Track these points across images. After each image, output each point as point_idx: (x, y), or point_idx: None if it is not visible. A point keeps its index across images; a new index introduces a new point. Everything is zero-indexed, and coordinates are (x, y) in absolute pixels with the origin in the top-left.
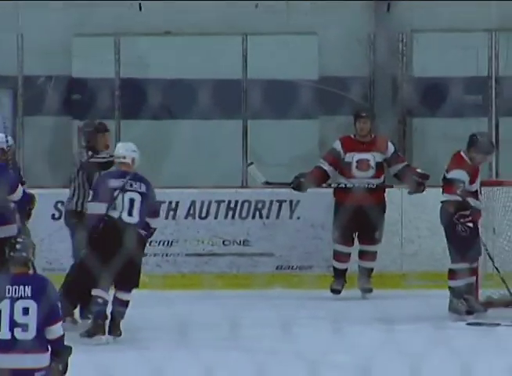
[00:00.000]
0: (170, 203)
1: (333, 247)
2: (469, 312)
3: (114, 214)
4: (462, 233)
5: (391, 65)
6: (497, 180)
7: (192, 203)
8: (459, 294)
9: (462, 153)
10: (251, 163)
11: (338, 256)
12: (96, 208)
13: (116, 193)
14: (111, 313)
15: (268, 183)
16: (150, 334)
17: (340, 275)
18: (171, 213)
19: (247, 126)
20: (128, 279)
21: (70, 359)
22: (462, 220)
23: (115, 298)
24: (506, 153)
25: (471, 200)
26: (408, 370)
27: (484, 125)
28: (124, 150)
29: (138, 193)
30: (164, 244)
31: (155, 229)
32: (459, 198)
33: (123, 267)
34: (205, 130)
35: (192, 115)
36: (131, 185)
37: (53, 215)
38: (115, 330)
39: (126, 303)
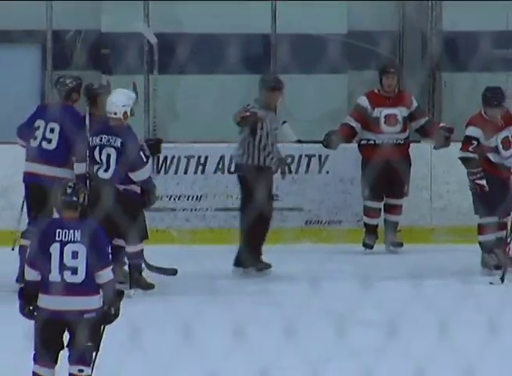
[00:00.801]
0: (199, 158)
1: (364, 203)
2: (497, 267)
3: (94, 171)
4: (472, 190)
5: (420, 19)
6: None
7: (221, 158)
8: (489, 249)
9: (481, 110)
10: (285, 121)
11: (369, 212)
12: (79, 168)
13: (96, 151)
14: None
15: (300, 142)
16: (179, 288)
17: (371, 230)
18: (200, 168)
19: None
20: (121, 232)
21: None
22: (471, 178)
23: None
24: None
25: (492, 156)
26: (436, 324)
27: None
28: (115, 107)
29: (113, 147)
30: (192, 198)
31: (149, 184)
32: (471, 155)
33: (112, 222)
34: (234, 85)
35: (221, 70)
36: (108, 140)
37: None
38: (134, 283)
39: (134, 255)
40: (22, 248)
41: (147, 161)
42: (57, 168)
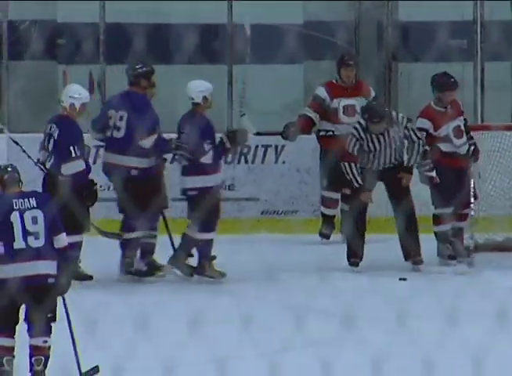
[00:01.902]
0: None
1: (322, 194)
2: (452, 257)
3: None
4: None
5: (376, 9)
6: (482, 125)
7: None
8: (444, 239)
9: (431, 102)
10: (243, 114)
11: (326, 202)
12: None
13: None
14: None
15: (259, 134)
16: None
17: (328, 220)
18: None
19: (232, 71)
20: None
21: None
22: (420, 170)
23: None
24: (491, 98)
25: (443, 146)
26: (393, 315)
27: (469, 70)
28: (63, 94)
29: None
30: None
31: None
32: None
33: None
34: (190, 75)
35: (177, 60)
36: (50, 128)
37: (38, 160)
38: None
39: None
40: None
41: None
42: (128, 157)
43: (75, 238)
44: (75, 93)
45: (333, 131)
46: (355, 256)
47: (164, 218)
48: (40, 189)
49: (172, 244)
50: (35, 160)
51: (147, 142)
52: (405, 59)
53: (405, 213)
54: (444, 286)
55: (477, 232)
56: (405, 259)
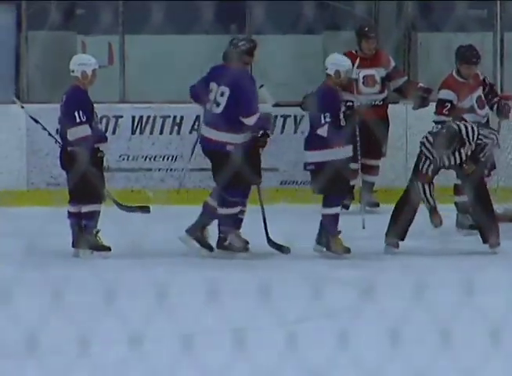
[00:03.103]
0: (174, 118)
1: None
2: (472, 227)
3: None
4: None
5: None
6: (502, 95)
7: (197, 118)
8: (464, 209)
9: (453, 72)
10: (262, 85)
11: None
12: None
13: None
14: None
15: (278, 105)
16: (152, 249)
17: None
18: (176, 128)
19: None
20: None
21: None
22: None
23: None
24: (510, 68)
25: (468, 116)
26: (412, 285)
27: (488, 40)
28: (72, 64)
29: None
30: (168, 158)
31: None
32: (446, 118)
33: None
34: (209, 45)
35: (195, 30)
36: (62, 99)
37: (57, 130)
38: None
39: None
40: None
41: None
42: (224, 133)
43: (92, 208)
44: (85, 60)
45: (352, 102)
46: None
47: (259, 193)
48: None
49: (264, 219)
50: (54, 136)
51: (251, 120)
52: (424, 29)
53: (474, 193)
54: (462, 258)
55: (496, 202)
56: (483, 242)
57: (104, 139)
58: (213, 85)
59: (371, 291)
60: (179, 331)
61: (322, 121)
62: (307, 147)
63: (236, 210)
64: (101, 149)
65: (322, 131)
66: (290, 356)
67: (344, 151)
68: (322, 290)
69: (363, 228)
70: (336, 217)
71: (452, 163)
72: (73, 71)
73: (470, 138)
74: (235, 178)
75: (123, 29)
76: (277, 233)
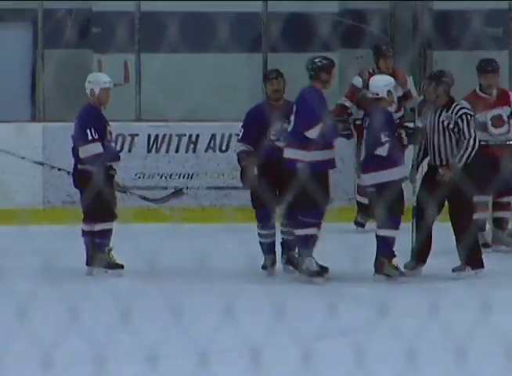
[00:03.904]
0: (190, 136)
1: (358, 182)
2: (485, 245)
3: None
4: None
5: None
6: None
7: (213, 136)
8: (479, 227)
9: (476, 88)
10: None
11: (361, 191)
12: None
13: None
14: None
15: None
16: (168, 267)
17: (364, 209)
18: (192, 146)
19: (267, 59)
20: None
21: None
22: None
23: None
24: None
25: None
26: (427, 303)
27: (504, 58)
28: (85, 84)
29: None
30: (184, 177)
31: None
32: None
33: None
34: (225, 63)
35: (211, 49)
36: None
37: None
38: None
39: (97, 234)
40: None
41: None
42: (294, 149)
43: (105, 226)
44: (93, 78)
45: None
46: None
47: None
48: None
49: None
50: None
51: (312, 133)
52: (440, 48)
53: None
54: (479, 275)
55: None
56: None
57: (117, 158)
58: None
59: (386, 309)
60: (195, 349)
61: (383, 140)
62: (365, 170)
63: (313, 231)
64: (113, 167)
65: (382, 151)
66: (306, 374)
67: (402, 171)
68: (337, 307)
69: None
70: (394, 239)
71: (429, 128)
72: (86, 89)
73: (455, 108)
74: (306, 198)
75: (139, 47)
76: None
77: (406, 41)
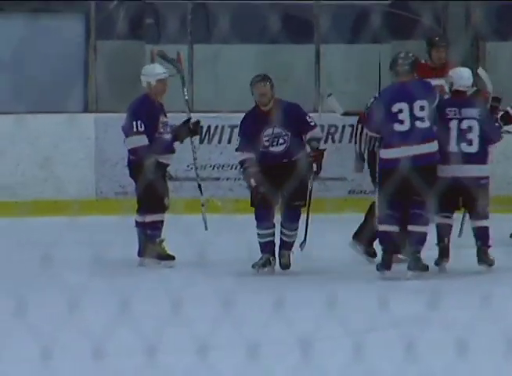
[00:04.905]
0: None
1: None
2: None
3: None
4: None
5: None
6: None
7: None
8: None
9: None
10: (330, 94)
11: None
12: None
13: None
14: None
15: (346, 114)
16: (221, 257)
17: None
18: None
19: (319, 51)
20: None
21: None
22: None
23: None
24: None
25: None
26: (479, 295)
27: None
28: (141, 76)
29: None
30: (236, 168)
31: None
32: None
33: None
34: (275, 55)
35: (262, 39)
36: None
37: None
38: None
39: (148, 225)
40: None
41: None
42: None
43: (156, 217)
44: (148, 71)
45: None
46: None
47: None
48: (127, 169)
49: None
50: None
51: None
52: (492, 39)
53: None
54: None
55: None
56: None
57: (168, 150)
58: (401, 105)
59: (437, 300)
60: (246, 341)
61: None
62: (481, 160)
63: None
64: (164, 159)
65: (498, 142)
66: (357, 366)
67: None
68: (388, 299)
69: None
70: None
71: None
72: (142, 82)
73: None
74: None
75: (191, 38)
76: (344, 242)
77: (459, 32)
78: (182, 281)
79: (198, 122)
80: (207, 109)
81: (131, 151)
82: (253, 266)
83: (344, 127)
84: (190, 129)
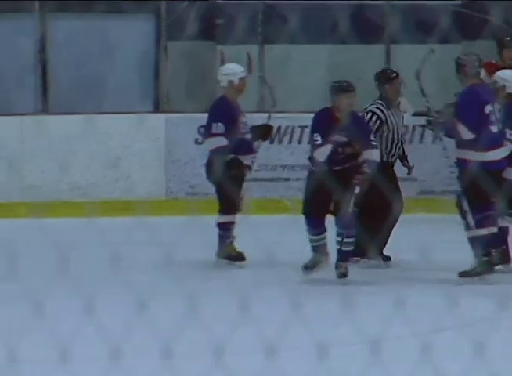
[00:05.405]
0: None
1: None
2: None
3: None
4: None
5: None
6: None
7: None
8: None
9: None
10: (401, 94)
11: None
12: None
13: None
14: None
15: (417, 114)
16: (289, 258)
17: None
18: None
19: (390, 51)
20: None
21: None
22: None
23: None
24: None
25: None
26: None
27: None
28: (219, 75)
29: None
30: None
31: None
32: None
33: None
34: (345, 55)
35: (331, 40)
36: None
37: (196, 139)
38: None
39: (220, 226)
40: None
41: None
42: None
43: (227, 218)
44: (230, 69)
45: None
46: None
47: None
48: (197, 169)
49: None
50: None
51: None
52: None
53: None
54: None
55: None
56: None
57: (249, 151)
58: (489, 107)
59: (507, 302)
60: (315, 341)
61: None
62: None
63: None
64: (243, 160)
65: None
66: (426, 367)
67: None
68: (457, 300)
69: None
70: None
71: None
72: (220, 82)
73: None
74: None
75: (262, 38)
76: (412, 243)
77: None
78: (251, 282)
79: (271, 128)
80: (277, 109)
81: (212, 152)
82: (305, 268)
83: (414, 127)
84: (261, 134)
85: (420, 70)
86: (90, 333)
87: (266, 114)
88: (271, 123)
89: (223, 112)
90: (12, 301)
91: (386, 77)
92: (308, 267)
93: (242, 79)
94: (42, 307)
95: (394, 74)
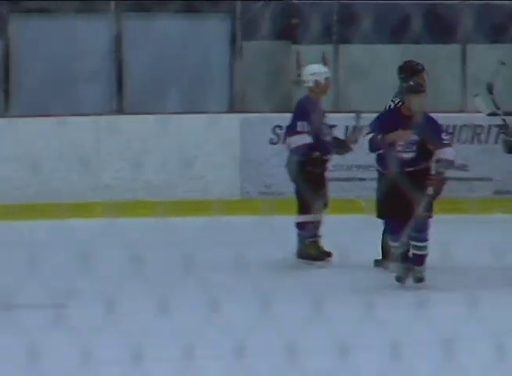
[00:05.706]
0: None
1: None
2: None
3: None
4: None
5: None
6: None
7: None
8: None
9: None
10: (477, 94)
11: None
12: None
13: None
14: None
15: (493, 114)
16: (362, 259)
17: None
18: None
19: (466, 50)
20: None
21: None
22: None
23: None
24: None
25: None
26: None
27: None
28: (304, 75)
29: None
30: None
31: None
32: None
33: None
34: (419, 54)
35: (404, 39)
36: None
37: (271, 139)
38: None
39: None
40: None
41: None
42: None
43: (303, 218)
44: (316, 69)
45: None
46: None
47: None
48: (272, 169)
49: None
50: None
51: None
52: None
53: None
54: None
55: None
56: None
57: (327, 152)
58: None
59: None
60: (388, 340)
61: None
62: None
63: None
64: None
65: None
66: (498, 367)
67: None
68: None
69: None
70: None
71: None
72: (305, 82)
73: None
74: None
75: (337, 38)
76: (485, 243)
77: None
78: (324, 282)
79: (349, 149)
80: (350, 109)
81: (294, 150)
82: (397, 280)
83: (489, 127)
84: (339, 149)
85: (491, 84)
86: (164, 333)
87: (341, 114)
88: (359, 123)
89: (309, 111)
90: (86, 300)
91: (412, 71)
92: (401, 279)
93: (327, 79)
94: (116, 307)
95: (421, 67)
